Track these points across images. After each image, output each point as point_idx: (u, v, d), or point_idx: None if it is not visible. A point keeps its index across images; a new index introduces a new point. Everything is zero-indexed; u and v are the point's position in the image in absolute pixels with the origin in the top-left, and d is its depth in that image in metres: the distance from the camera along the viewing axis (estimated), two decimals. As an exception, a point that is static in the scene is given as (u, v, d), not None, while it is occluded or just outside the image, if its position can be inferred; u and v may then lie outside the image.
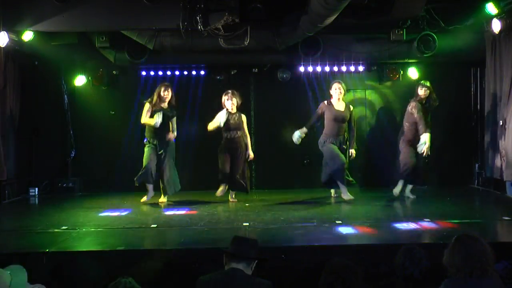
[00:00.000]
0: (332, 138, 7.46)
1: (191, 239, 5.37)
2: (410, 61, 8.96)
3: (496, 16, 7.44)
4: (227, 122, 7.44)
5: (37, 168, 8.95)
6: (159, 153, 7.42)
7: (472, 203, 7.84)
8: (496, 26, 7.50)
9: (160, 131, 7.36)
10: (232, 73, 9.21)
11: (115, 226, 5.97)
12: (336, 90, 7.50)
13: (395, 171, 7.72)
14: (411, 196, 7.59)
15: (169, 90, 7.45)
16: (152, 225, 5.96)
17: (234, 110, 7.55)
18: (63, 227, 5.81)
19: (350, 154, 7.59)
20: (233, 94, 7.55)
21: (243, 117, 7.66)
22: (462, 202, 7.43)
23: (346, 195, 7.36)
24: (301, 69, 9.05)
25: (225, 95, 7.56)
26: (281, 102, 9.36)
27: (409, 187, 7.68)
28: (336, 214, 6.50)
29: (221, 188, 7.59)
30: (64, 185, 8.96)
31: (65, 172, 9.16)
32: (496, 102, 8.02)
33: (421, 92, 7.52)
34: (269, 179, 9.26)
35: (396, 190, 7.62)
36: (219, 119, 7.44)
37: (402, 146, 7.57)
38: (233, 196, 7.76)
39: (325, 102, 7.60)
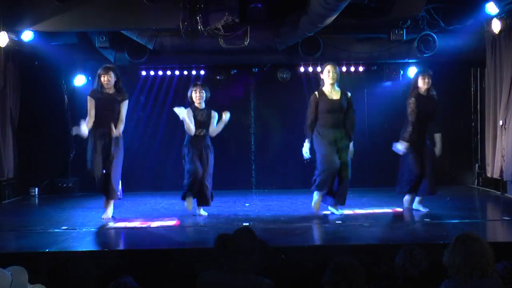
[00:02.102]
0: (328, 132, 6.30)
1: (191, 239, 5.37)
2: (410, 61, 8.96)
3: (496, 16, 7.44)
4: (194, 119, 6.53)
5: (37, 168, 8.95)
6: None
7: (472, 203, 7.84)
8: (496, 26, 7.50)
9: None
10: (232, 73, 9.21)
11: (116, 226, 5.97)
12: (329, 74, 6.26)
13: (398, 183, 6.76)
14: (423, 210, 6.49)
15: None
16: (152, 225, 5.96)
17: (203, 106, 6.61)
18: (63, 227, 5.81)
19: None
20: (202, 86, 6.66)
21: (213, 114, 6.64)
22: (462, 202, 7.43)
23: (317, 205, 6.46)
24: (301, 69, 9.05)
25: (193, 87, 6.66)
26: (281, 102, 9.36)
27: (417, 199, 6.62)
28: (336, 214, 6.49)
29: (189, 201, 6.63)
30: (64, 185, 8.96)
31: (65, 172, 9.15)
32: (496, 102, 8.02)
33: (422, 83, 6.46)
34: (269, 179, 9.26)
35: (406, 204, 6.75)
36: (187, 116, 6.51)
37: (405, 152, 6.49)
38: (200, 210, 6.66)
39: (316, 93, 6.39)
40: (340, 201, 6.43)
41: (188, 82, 9.17)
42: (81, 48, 8.30)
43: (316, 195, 6.44)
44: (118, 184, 6.41)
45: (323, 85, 6.38)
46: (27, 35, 7.45)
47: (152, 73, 9.15)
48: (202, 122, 6.54)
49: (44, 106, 9.04)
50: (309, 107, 6.41)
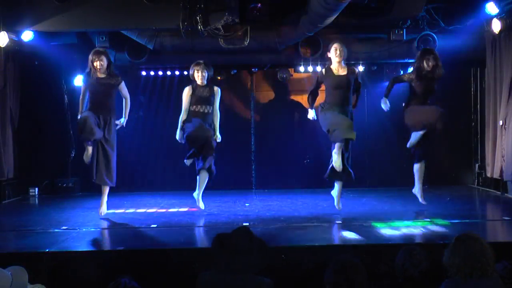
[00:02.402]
0: (335, 107, 6.27)
1: (191, 239, 5.38)
2: (410, 61, 8.94)
3: (496, 16, 7.44)
4: (193, 94, 6.56)
5: (37, 168, 8.94)
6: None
7: (472, 203, 7.84)
8: (496, 26, 7.49)
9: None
10: (232, 73, 9.21)
11: (115, 226, 5.97)
12: (336, 52, 6.28)
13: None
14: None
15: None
16: (152, 225, 5.96)
17: (204, 83, 6.59)
18: (63, 227, 5.82)
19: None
20: (205, 65, 6.63)
21: (216, 90, 6.66)
22: (462, 202, 7.43)
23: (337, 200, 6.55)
24: (301, 69, 9.05)
25: (194, 66, 6.65)
26: (281, 102, 9.36)
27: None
28: (336, 214, 6.49)
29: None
30: (64, 185, 8.96)
31: (65, 172, 9.15)
32: (496, 102, 8.02)
33: (426, 64, 6.43)
34: (269, 179, 9.26)
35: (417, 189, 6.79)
36: (184, 98, 6.60)
37: (408, 110, 6.79)
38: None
39: (322, 70, 6.48)
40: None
41: (188, 82, 9.17)
42: (81, 48, 8.30)
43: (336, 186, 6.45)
44: (114, 171, 6.38)
45: (330, 63, 6.39)
46: (27, 35, 7.45)
47: (152, 73, 9.14)
48: (203, 97, 6.54)
49: (44, 106, 9.04)
50: (313, 83, 6.56)
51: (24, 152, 8.72)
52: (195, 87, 6.58)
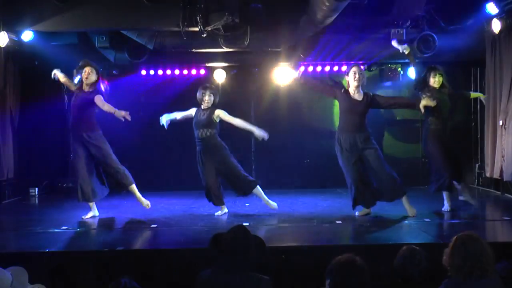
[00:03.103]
0: (347, 135, 6.12)
1: (191, 239, 5.38)
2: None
3: (496, 16, 7.44)
4: (195, 119, 6.65)
5: (37, 168, 8.95)
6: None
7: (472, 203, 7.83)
8: (496, 26, 7.50)
9: None
10: (232, 73, 9.21)
11: (115, 226, 5.97)
12: (355, 76, 6.12)
13: (431, 183, 6.53)
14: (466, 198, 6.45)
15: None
16: (152, 225, 5.96)
17: (208, 106, 6.62)
18: (63, 227, 5.82)
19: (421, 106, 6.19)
20: (211, 89, 6.68)
21: (215, 112, 6.56)
22: (462, 202, 7.43)
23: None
24: (301, 69, 9.04)
25: (202, 89, 6.66)
26: (281, 102, 9.36)
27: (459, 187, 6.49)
28: (336, 214, 6.49)
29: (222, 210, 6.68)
30: (64, 185, 8.96)
31: (65, 172, 9.15)
32: (496, 102, 8.02)
33: (433, 81, 6.42)
34: (269, 179, 9.25)
35: (446, 206, 6.46)
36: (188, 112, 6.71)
37: (430, 146, 6.38)
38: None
39: (342, 89, 6.28)
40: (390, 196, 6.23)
41: (188, 82, 9.19)
42: (81, 48, 8.30)
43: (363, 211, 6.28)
44: (124, 169, 6.38)
45: (349, 86, 6.27)
46: (27, 35, 7.45)
47: (152, 73, 9.14)
48: (199, 122, 6.58)
49: (44, 106, 9.03)
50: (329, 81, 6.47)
51: (24, 152, 8.72)
52: (197, 110, 6.65)
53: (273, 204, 6.68)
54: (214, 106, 6.62)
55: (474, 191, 6.53)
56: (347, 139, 6.09)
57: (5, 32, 7.26)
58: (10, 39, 7.39)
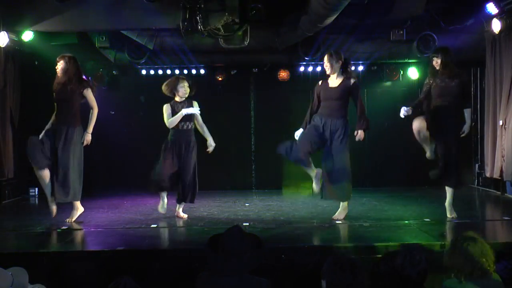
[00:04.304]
0: (319, 117, 6.03)
1: (191, 239, 5.37)
2: (410, 61, 8.96)
3: (496, 16, 7.44)
4: (173, 112, 6.29)
5: (37, 168, 8.92)
6: None
7: (472, 203, 7.83)
8: (496, 26, 7.49)
9: None
10: (232, 73, 9.21)
11: (115, 226, 5.97)
12: (324, 64, 6.08)
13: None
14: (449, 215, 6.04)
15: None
16: (152, 225, 5.96)
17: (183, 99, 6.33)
18: (63, 227, 5.82)
19: (356, 134, 6.07)
20: (188, 81, 6.36)
21: (195, 103, 6.33)
22: (462, 202, 7.42)
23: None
24: (301, 69, 9.05)
25: (179, 80, 6.33)
26: (281, 102, 9.36)
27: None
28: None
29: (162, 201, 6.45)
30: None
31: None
32: (496, 102, 8.02)
33: (435, 63, 6.06)
34: (269, 179, 9.26)
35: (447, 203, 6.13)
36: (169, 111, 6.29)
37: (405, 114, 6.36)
38: (181, 210, 6.47)
39: (319, 82, 6.19)
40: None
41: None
42: (81, 48, 8.30)
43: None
44: (74, 183, 6.18)
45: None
46: (27, 35, 7.45)
47: (152, 73, 9.15)
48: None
49: (44, 106, 9.01)
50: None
51: (24, 152, 8.70)
52: (172, 104, 6.30)
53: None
54: (190, 97, 6.35)
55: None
56: (319, 120, 6.01)
57: (5, 32, 7.26)
58: (10, 39, 7.40)
